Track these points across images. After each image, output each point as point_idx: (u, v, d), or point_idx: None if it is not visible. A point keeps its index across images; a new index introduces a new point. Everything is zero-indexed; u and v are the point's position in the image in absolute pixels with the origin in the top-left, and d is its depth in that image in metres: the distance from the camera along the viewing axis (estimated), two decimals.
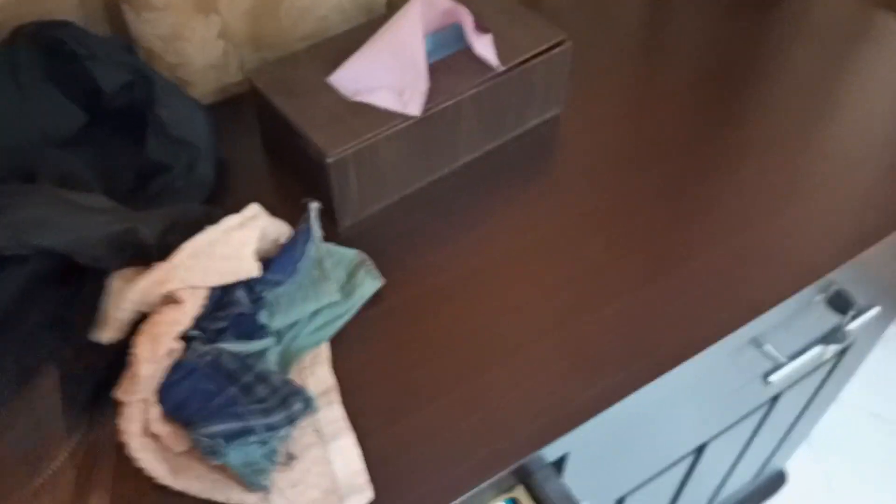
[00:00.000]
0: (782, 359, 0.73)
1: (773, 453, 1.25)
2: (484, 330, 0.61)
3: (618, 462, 0.73)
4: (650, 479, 0.87)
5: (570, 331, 0.60)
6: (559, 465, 0.62)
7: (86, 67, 0.64)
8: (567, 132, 0.76)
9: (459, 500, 0.52)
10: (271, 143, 0.73)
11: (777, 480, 1.48)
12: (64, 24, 0.65)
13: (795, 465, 1.53)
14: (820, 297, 0.74)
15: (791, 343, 0.78)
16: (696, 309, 0.62)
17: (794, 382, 0.95)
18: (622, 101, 0.80)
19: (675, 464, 0.89)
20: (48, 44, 0.64)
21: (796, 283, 0.64)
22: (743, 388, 0.82)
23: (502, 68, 0.68)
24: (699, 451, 0.92)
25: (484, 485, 0.53)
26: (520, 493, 0.61)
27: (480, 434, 0.55)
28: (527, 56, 0.69)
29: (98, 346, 0.53)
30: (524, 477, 0.60)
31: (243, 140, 0.75)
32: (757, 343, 0.72)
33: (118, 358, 0.54)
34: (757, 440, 1.07)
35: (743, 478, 1.28)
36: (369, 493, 0.51)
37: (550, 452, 0.57)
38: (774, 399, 0.96)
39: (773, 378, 0.76)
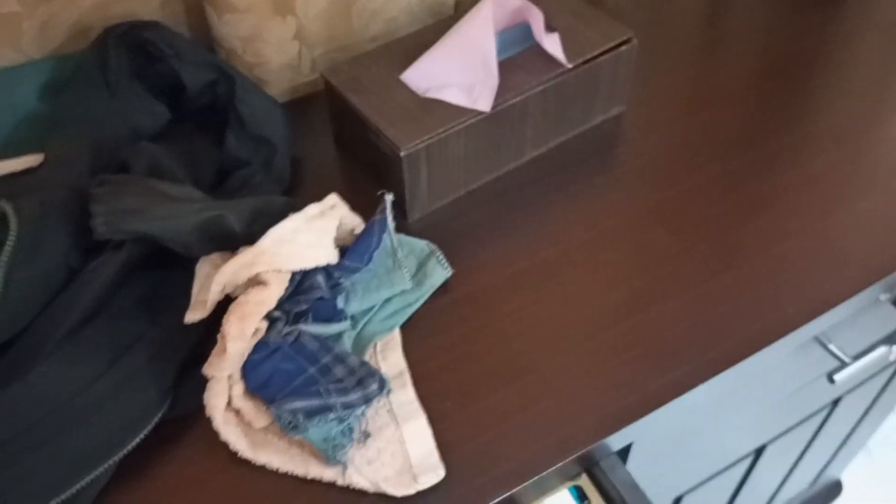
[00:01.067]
0: (847, 358, 0.73)
1: (830, 460, 1.24)
2: (552, 319, 0.62)
3: (679, 457, 0.74)
4: (708, 479, 0.87)
5: (637, 321, 0.62)
6: (623, 455, 0.63)
7: (172, 66, 0.68)
8: (631, 128, 0.77)
9: (526, 483, 0.54)
10: (343, 139, 0.75)
11: (833, 490, 1.46)
12: (152, 25, 0.68)
13: (851, 474, 1.51)
14: (886, 297, 0.74)
15: (856, 343, 0.78)
16: (763, 303, 0.62)
17: (856, 385, 0.94)
18: (686, 96, 0.80)
19: (733, 465, 0.89)
20: (136, 44, 0.68)
21: (863, 280, 0.64)
22: (805, 389, 0.82)
23: (570, 65, 0.69)
24: (758, 452, 0.92)
25: (551, 470, 0.54)
26: (584, 481, 0.62)
27: (548, 420, 0.56)
28: (594, 54, 0.71)
29: (186, 327, 0.56)
30: (589, 465, 0.61)
31: (315, 137, 0.77)
32: (822, 341, 0.72)
33: (204, 338, 0.57)
34: (815, 445, 1.06)
35: (799, 485, 1.26)
36: (441, 472, 0.53)
37: (616, 441, 0.58)
38: (835, 403, 0.95)
39: (838, 378, 0.75)
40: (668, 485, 0.79)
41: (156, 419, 0.53)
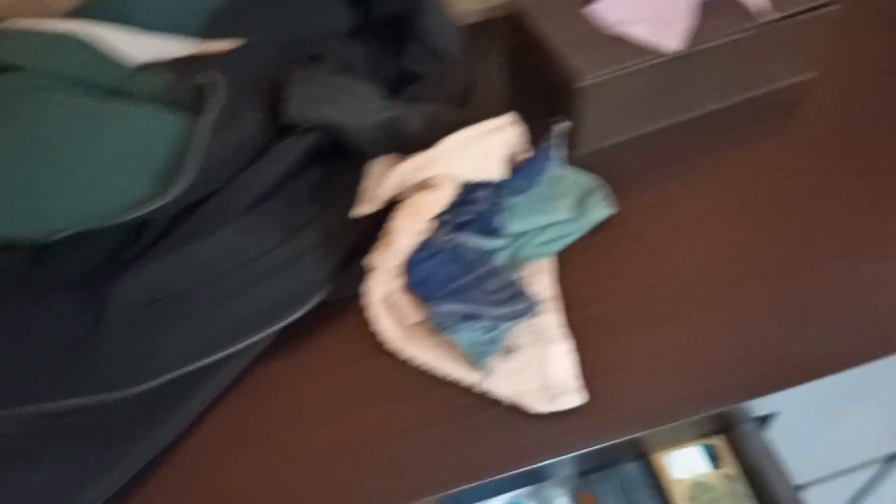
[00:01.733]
0: None
1: None
2: (709, 271, 0.60)
3: (814, 441, 0.71)
4: (832, 476, 0.83)
5: (794, 288, 0.59)
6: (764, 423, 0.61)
7: None
8: (816, 94, 0.73)
9: (660, 428, 0.53)
10: (518, 65, 0.75)
11: None
12: None
13: None
14: None
15: None
16: None
17: None
18: (878, 70, 0.75)
19: (860, 467, 0.85)
20: None
21: None
22: None
23: (769, 18, 0.66)
24: (890, 460, 0.86)
25: (688, 420, 0.53)
26: (719, 442, 0.61)
27: (692, 371, 0.55)
28: (796, 10, 0.67)
29: (352, 221, 0.59)
30: (727, 426, 0.59)
31: (489, 61, 0.78)
32: None
33: (367, 234, 0.59)
34: None
35: None
36: (580, 398, 0.53)
37: (760, 407, 0.56)
38: None
39: None
40: (798, 467, 0.76)
41: (318, 297, 0.56)
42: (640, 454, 0.61)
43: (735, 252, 0.62)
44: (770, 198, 0.65)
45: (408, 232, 0.53)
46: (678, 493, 0.58)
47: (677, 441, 0.60)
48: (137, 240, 0.56)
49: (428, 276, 0.56)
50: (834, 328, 0.56)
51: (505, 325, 0.55)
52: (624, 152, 0.69)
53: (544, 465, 0.52)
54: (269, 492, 0.51)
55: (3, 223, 0.50)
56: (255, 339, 0.52)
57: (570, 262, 0.61)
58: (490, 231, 0.59)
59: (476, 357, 0.53)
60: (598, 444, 0.52)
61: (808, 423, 0.66)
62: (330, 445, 0.53)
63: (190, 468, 0.52)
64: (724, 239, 0.62)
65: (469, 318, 0.54)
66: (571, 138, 0.67)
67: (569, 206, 0.62)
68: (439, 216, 0.57)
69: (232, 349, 0.52)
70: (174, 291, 0.52)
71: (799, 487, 0.81)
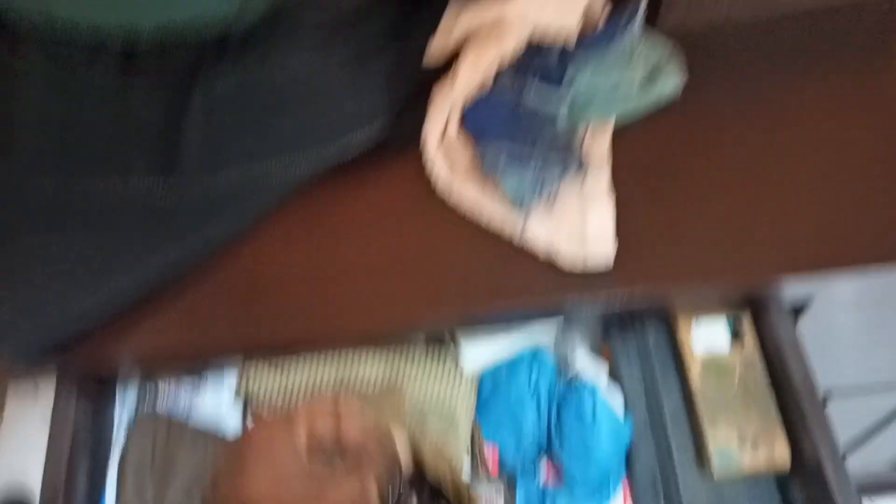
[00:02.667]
0: None
1: None
2: (773, 165, 0.60)
3: (847, 343, 0.71)
4: (857, 392, 0.84)
5: (862, 191, 0.58)
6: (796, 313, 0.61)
7: None
8: None
9: (684, 289, 0.55)
10: None
11: None
12: None
13: None
14: None
15: None
16: None
17: None
18: None
19: (889, 388, 0.84)
20: None
21: None
22: None
23: None
24: None
25: (716, 286, 0.54)
26: (745, 317, 0.62)
27: (732, 244, 0.56)
28: None
29: (419, 55, 0.60)
30: (757, 303, 0.60)
31: None
32: None
33: (435, 78, 0.60)
34: None
35: None
36: (612, 252, 0.55)
37: (794, 288, 0.56)
38: None
39: None
40: (824, 370, 0.77)
41: (379, 125, 0.58)
42: (664, 318, 0.63)
43: (808, 151, 0.60)
44: (868, 114, 0.62)
45: (472, 71, 0.55)
46: (693, 367, 0.60)
47: (705, 308, 0.62)
48: (218, 53, 0.59)
49: (487, 119, 0.58)
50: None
51: (552, 175, 0.56)
52: (711, 35, 0.67)
53: (570, 302, 0.55)
54: (311, 289, 0.56)
55: (98, 12, 0.53)
56: (315, 151, 0.56)
57: (631, 131, 0.61)
58: (557, 83, 0.59)
59: (518, 201, 0.55)
60: (623, 292, 0.54)
61: (844, 324, 0.66)
62: (372, 261, 0.57)
63: (239, 262, 0.57)
64: (800, 137, 0.61)
65: (517, 160, 0.56)
66: (657, 9, 0.65)
67: (639, 74, 0.61)
68: (507, 63, 0.58)
69: (293, 156, 0.56)
70: (251, 98, 0.56)
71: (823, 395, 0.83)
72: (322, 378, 0.62)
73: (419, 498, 0.50)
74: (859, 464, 1.16)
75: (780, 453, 0.57)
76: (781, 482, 0.60)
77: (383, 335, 0.60)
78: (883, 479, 1.27)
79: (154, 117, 0.57)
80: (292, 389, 0.62)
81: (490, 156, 0.55)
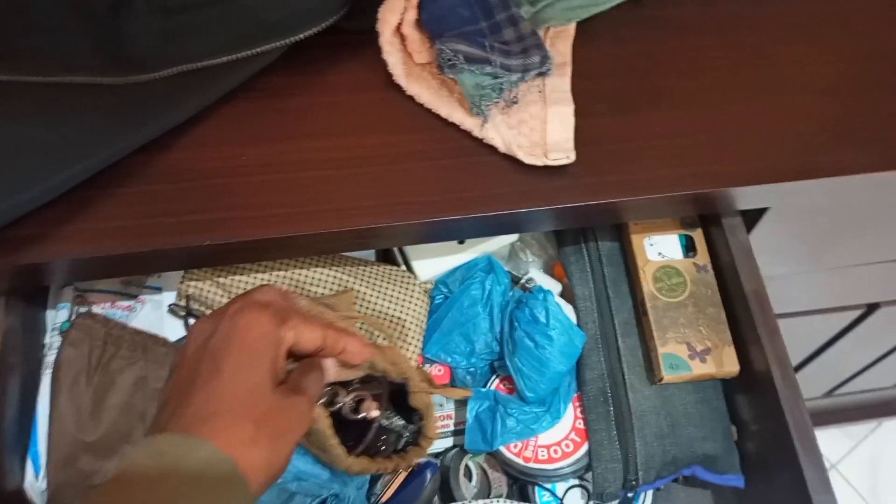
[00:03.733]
0: None
1: None
2: (740, 70, 0.59)
3: (797, 262, 0.72)
4: (808, 312, 0.85)
5: (830, 102, 0.57)
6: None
7: None
8: None
9: (643, 197, 0.53)
10: None
11: None
12: None
13: None
14: None
15: None
16: None
17: None
18: None
19: (841, 309, 0.86)
20: None
21: None
22: None
23: None
24: (870, 309, 0.88)
25: (672, 195, 0.54)
26: (696, 234, 0.62)
27: (692, 154, 0.55)
28: None
29: None
30: (710, 214, 0.60)
31: None
32: None
33: None
34: None
35: (884, 379, 1.22)
36: (572, 156, 0.53)
37: (748, 198, 0.56)
38: None
39: None
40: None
41: (334, 16, 0.55)
42: (617, 230, 0.63)
43: (779, 59, 0.59)
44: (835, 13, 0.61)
45: None
46: (646, 273, 0.60)
47: (658, 225, 0.61)
48: None
49: (444, 14, 0.54)
50: (853, 143, 0.55)
51: (512, 77, 0.54)
52: None
53: (528, 213, 0.53)
54: (262, 190, 0.53)
55: None
56: (265, 48, 0.52)
57: (595, 34, 0.59)
58: None
59: (477, 101, 0.53)
60: (581, 202, 0.53)
61: (801, 238, 0.66)
62: (326, 159, 0.54)
63: (183, 155, 0.54)
64: (769, 43, 0.60)
65: (476, 61, 0.53)
66: None
67: None
68: None
69: (243, 53, 0.52)
70: None
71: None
72: (268, 279, 0.59)
73: (378, 401, 0.49)
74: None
75: (728, 362, 0.57)
76: (729, 390, 0.60)
77: (336, 242, 0.57)
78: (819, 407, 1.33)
79: (100, 5, 0.52)
80: (235, 289, 0.59)
81: (447, 55, 0.52)
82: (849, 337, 0.95)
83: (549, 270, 0.67)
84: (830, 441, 1.46)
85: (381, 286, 0.59)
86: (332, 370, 0.44)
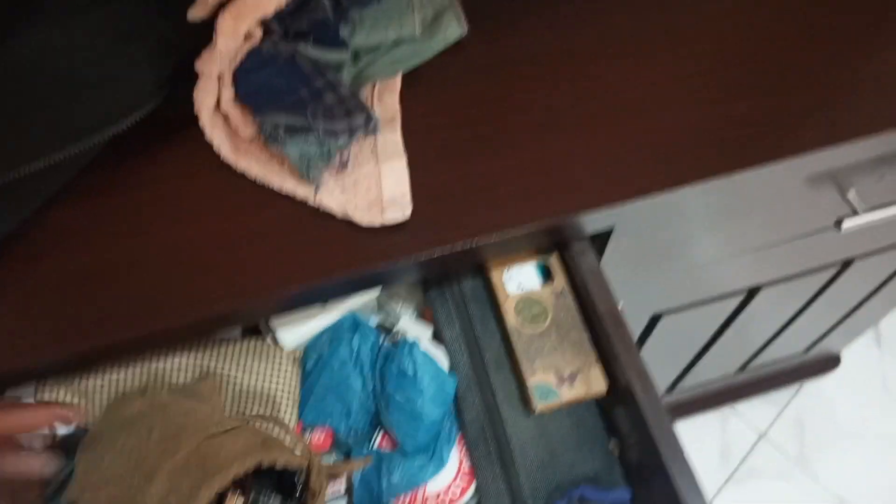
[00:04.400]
0: (862, 205, 0.70)
1: (831, 329, 1.23)
2: (562, 102, 0.60)
3: (663, 268, 0.74)
4: (692, 305, 0.88)
5: (651, 120, 0.59)
6: (602, 247, 0.63)
7: None
8: None
9: (491, 238, 0.55)
10: None
11: (829, 362, 1.47)
12: None
13: (853, 354, 1.51)
14: None
15: (878, 196, 0.74)
16: (787, 120, 0.59)
17: (871, 251, 0.90)
18: None
19: (722, 298, 0.89)
20: None
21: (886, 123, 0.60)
22: (814, 238, 0.79)
23: None
24: (751, 293, 0.91)
25: (520, 232, 0.55)
26: (552, 260, 0.63)
27: (532, 191, 0.56)
28: None
29: (191, 27, 0.56)
30: (561, 242, 0.62)
31: None
32: (839, 183, 0.68)
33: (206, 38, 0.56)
34: (816, 306, 1.05)
35: (792, 346, 1.27)
36: (408, 211, 0.54)
37: (593, 221, 0.58)
38: (846, 265, 0.93)
39: (846, 225, 0.73)
40: (646, 298, 0.81)
41: (149, 107, 0.54)
42: (479, 268, 0.64)
43: (599, 82, 0.61)
44: (651, 27, 0.64)
45: (229, 34, 0.51)
46: (507, 307, 0.61)
47: (514, 258, 0.63)
48: None
49: (260, 88, 0.55)
50: (681, 154, 0.58)
51: (340, 140, 0.55)
52: None
53: (381, 272, 0.53)
54: (92, 287, 0.52)
55: None
56: (78, 149, 0.51)
57: (421, 85, 0.61)
58: (332, 43, 0.57)
59: (305, 170, 0.53)
60: (431, 252, 0.53)
61: (655, 247, 0.69)
62: (163, 250, 0.53)
63: (8, 262, 0.53)
64: (589, 73, 0.62)
65: (300, 130, 0.53)
66: None
67: (420, 21, 0.60)
68: (273, 22, 0.55)
69: (53, 158, 0.51)
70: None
71: (656, 317, 0.87)
72: (126, 377, 0.58)
73: (243, 493, 0.48)
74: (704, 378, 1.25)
75: (595, 382, 0.58)
76: (606, 405, 0.62)
77: (195, 329, 0.56)
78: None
79: None
80: (93, 392, 0.58)
81: (268, 128, 0.53)
82: (741, 319, 0.99)
83: (421, 314, 0.68)
84: (756, 409, 1.50)
85: (245, 363, 0.59)
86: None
